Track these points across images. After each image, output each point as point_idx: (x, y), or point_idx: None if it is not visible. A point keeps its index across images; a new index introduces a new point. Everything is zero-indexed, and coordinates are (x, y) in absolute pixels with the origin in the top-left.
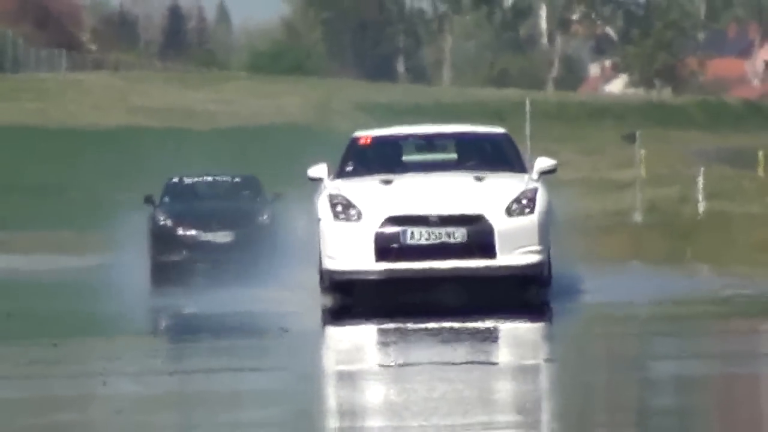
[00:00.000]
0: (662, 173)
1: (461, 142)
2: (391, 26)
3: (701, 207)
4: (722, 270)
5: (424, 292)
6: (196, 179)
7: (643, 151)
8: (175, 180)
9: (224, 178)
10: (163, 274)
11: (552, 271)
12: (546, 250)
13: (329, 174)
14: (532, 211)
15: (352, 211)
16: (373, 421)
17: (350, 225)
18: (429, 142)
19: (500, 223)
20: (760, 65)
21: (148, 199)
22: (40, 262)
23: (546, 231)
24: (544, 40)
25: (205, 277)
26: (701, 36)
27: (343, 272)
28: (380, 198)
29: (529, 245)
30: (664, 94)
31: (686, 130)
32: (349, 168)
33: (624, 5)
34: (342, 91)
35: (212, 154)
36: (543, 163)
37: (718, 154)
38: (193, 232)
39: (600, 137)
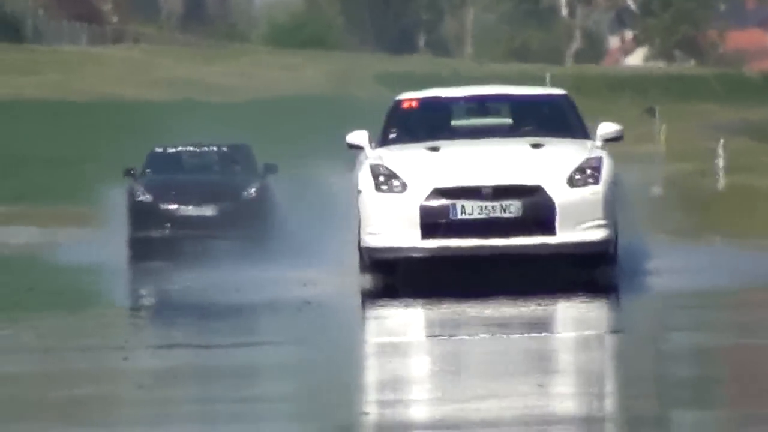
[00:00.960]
0: (682, 148)
1: (516, 104)
2: (413, 3)
3: (721, 181)
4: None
5: (474, 271)
6: (180, 149)
7: (664, 126)
8: (159, 150)
9: (211, 148)
10: (144, 250)
11: (618, 248)
12: (612, 225)
13: (370, 141)
14: (596, 182)
15: (396, 182)
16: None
17: (393, 197)
18: (480, 105)
19: (561, 195)
20: None
21: (128, 172)
22: (58, 235)
23: (612, 204)
24: (565, 12)
25: (205, 253)
26: (722, 7)
27: (386, 249)
28: (426, 167)
29: (594, 220)
30: (685, 66)
31: (706, 102)
32: (392, 134)
33: None
34: (362, 64)
35: (230, 126)
36: (607, 128)
37: (738, 127)
38: (173, 206)
39: (620, 110)
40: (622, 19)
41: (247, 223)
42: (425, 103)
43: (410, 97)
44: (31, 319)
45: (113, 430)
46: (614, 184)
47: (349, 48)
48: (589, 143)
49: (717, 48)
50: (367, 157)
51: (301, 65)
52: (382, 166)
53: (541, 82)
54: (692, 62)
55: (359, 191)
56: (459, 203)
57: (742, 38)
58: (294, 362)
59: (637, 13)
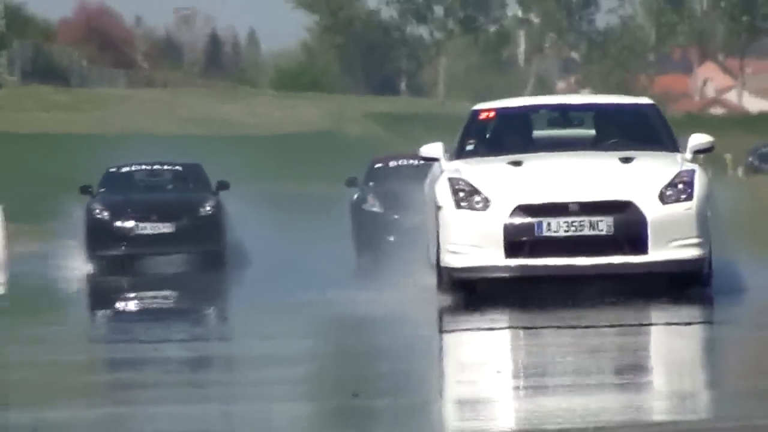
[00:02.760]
0: None
1: (601, 114)
2: (394, 50)
3: None
4: None
5: (559, 288)
6: (135, 168)
7: None
8: (113, 169)
9: (165, 167)
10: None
11: (713, 267)
12: (707, 242)
13: (445, 152)
14: (689, 197)
15: (477, 198)
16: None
17: (475, 214)
18: (563, 115)
19: (653, 212)
20: (699, 82)
21: (85, 190)
22: None
23: (706, 220)
24: (521, 61)
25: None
26: (651, 57)
27: (467, 269)
28: (509, 183)
29: (687, 237)
30: None
31: None
32: (470, 146)
33: (586, 34)
34: (352, 104)
35: (242, 157)
36: (698, 139)
37: None
38: (130, 223)
39: None
40: (568, 67)
41: (204, 239)
42: (503, 113)
43: (487, 107)
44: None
45: (144, 408)
46: (707, 200)
47: (341, 90)
48: (679, 156)
49: (647, 90)
50: (443, 170)
51: (301, 105)
52: (461, 180)
53: None
54: None
55: (439, 207)
56: (544, 220)
57: (668, 82)
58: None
59: (580, 61)
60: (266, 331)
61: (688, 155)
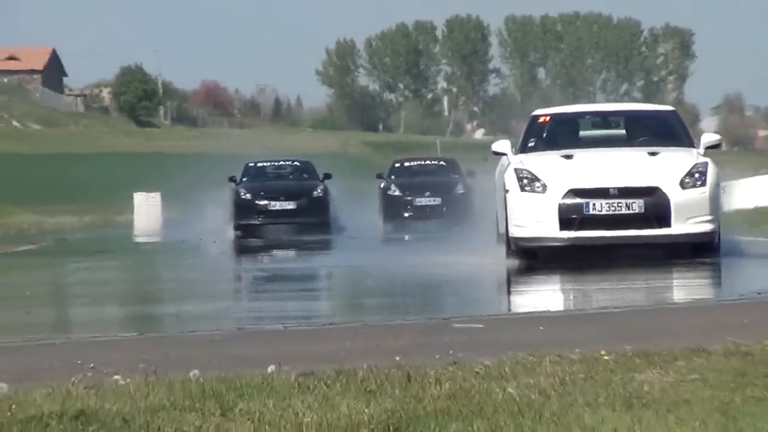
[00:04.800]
0: None
1: (632, 118)
2: (376, 106)
3: None
4: None
5: (603, 256)
6: (266, 163)
7: None
8: (251, 164)
9: (287, 162)
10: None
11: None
12: (717, 219)
13: (512, 149)
14: (703, 184)
15: (537, 184)
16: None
17: (536, 196)
18: (603, 119)
19: (675, 195)
20: None
21: (231, 179)
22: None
23: (716, 202)
24: (446, 112)
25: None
26: (519, 111)
27: (530, 239)
28: (562, 171)
29: (702, 215)
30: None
31: None
32: (531, 144)
33: (483, 97)
34: (353, 137)
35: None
36: (709, 138)
37: None
38: (265, 202)
39: (475, 159)
40: (472, 116)
41: (316, 213)
42: (556, 117)
43: (544, 112)
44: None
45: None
46: (717, 186)
47: (347, 128)
48: (695, 151)
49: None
50: (510, 163)
51: (325, 137)
52: (525, 170)
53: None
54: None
55: (507, 190)
56: (591, 201)
57: None
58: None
59: (479, 113)
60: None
61: (702, 150)
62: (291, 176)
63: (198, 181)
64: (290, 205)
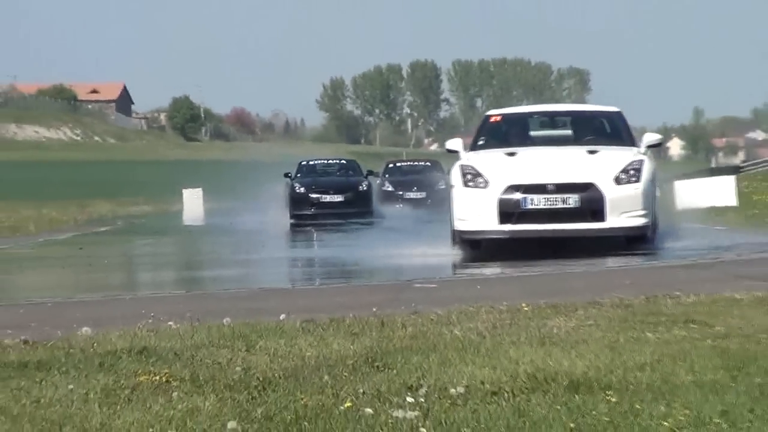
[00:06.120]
0: None
1: (579, 118)
2: (359, 125)
3: None
4: None
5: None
6: (317, 161)
7: None
8: (304, 162)
9: (335, 161)
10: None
11: (657, 230)
12: (650, 213)
13: (464, 147)
14: (638, 180)
15: (480, 180)
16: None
17: (478, 191)
18: (551, 119)
19: (609, 191)
20: None
21: (287, 175)
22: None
23: (649, 197)
24: (409, 130)
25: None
26: (463, 130)
27: (471, 232)
28: (504, 168)
29: (635, 210)
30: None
31: None
32: (481, 142)
33: (436, 119)
34: (343, 147)
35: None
36: (650, 137)
37: None
38: (317, 195)
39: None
40: (429, 132)
41: (361, 205)
42: (507, 117)
43: (496, 112)
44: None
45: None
46: (652, 182)
47: (339, 141)
48: (635, 150)
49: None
50: (460, 159)
51: (322, 148)
52: (469, 166)
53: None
54: None
55: (452, 186)
56: (529, 197)
57: None
58: None
59: (434, 131)
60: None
61: (642, 149)
62: (338, 173)
63: (235, 181)
64: (339, 198)
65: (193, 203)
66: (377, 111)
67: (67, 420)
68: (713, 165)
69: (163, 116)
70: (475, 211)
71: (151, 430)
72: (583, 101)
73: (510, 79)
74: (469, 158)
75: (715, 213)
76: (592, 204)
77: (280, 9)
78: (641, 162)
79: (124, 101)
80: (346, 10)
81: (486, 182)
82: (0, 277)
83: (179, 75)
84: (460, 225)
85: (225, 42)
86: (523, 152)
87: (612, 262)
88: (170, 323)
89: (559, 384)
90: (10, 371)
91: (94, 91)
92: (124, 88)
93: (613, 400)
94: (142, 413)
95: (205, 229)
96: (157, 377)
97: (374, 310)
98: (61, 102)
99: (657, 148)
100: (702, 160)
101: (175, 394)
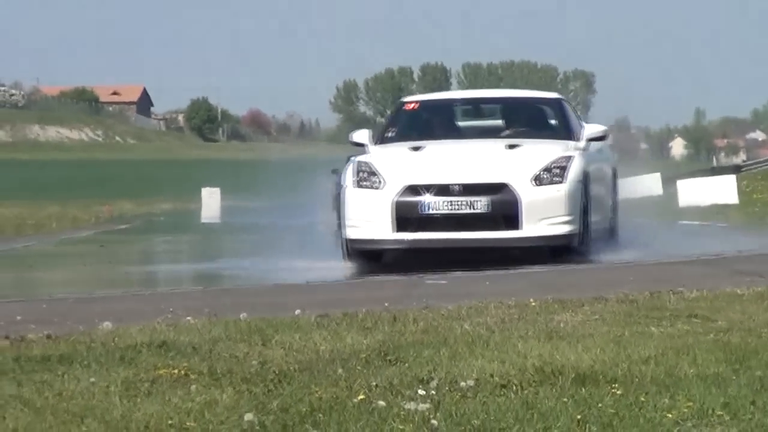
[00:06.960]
0: None
1: (510, 107)
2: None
3: None
4: None
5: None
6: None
7: None
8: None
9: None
10: None
11: (589, 238)
12: (577, 220)
13: (372, 139)
14: (562, 180)
15: (375, 179)
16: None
17: (371, 193)
18: (476, 108)
19: (526, 193)
20: None
21: (334, 171)
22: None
23: (577, 200)
24: None
25: None
26: None
27: (363, 241)
28: (405, 165)
29: (557, 216)
30: None
31: None
32: (390, 134)
33: None
34: (342, 147)
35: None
36: (591, 129)
37: None
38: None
39: None
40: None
41: None
42: (425, 104)
43: (413, 99)
44: None
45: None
46: (582, 183)
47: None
48: (570, 144)
49: None
50: (358, 155)
51: (333, 148)
52: (365, 163)
53: None
54: None
55: (343, 186)
56: (429, 199)
57: None
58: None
59: None
60: None
61: (582, 143)
62: None
63: (277, 178)
64: None
65: (210, 202)
66: (389, 112)
67: (88, 412)
68: (715, 165)
69: (181, 117)
70: (367, 217)
71: (170, 421)
72: (587, 103)
73: (517, 81)
74: (370, 153)
75: (717, 210)
76: (504, 208)
77: (294, 15)
78: (569, 159)
79: (144, 103)
80: (358, 15)
81: (381, 182)
82: (24, 274)
83: (197, 77)
84: (351, 233)
85: (241, 45)
86: (430, 147)
87: (615, 259)
88: (188, 318)
89: (566, 377)
90: (33, 365)
91: (115, 93)
92: (144, 90)
93: (619, 392)
94: (162, 405)
95: (223, 226)
96: (176, 371)
97: (386, 305)
98: (83, 104)
99: (600, 141)
100: (704, 160)
101: (193, 387)
